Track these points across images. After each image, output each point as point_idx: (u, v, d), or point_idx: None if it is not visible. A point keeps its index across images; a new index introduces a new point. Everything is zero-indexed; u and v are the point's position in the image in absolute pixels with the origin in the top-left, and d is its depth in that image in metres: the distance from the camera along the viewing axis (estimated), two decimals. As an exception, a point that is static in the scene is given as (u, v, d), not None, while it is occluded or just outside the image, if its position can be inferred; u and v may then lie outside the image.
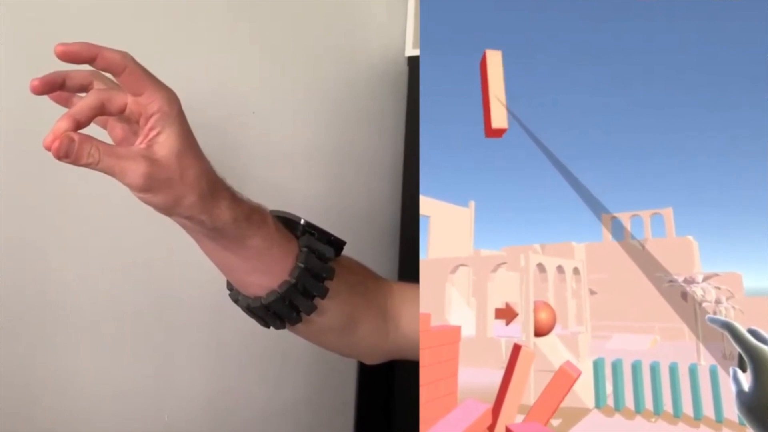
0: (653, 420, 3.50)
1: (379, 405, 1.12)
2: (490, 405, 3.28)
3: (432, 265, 5.68)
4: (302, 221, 0.59)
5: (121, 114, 0.46)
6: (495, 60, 1.71)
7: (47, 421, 0.84)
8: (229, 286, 0.61)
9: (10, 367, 0.82)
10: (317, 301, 0.57)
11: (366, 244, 1.04)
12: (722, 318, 0.41)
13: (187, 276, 0.90)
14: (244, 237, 0.52)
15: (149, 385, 0.90)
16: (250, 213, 0.53)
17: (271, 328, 0.60)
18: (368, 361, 0.69)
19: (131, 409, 0.89)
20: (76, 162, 0.43)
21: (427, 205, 7.12)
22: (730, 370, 0.40)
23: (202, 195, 0.48)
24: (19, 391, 0.84)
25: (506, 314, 4.84)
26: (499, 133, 1.69)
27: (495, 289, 5.09)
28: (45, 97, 0.47)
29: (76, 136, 0.42)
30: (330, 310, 0.59)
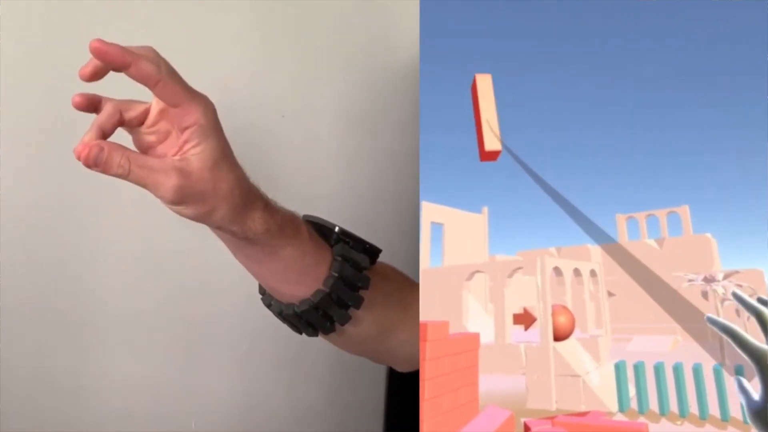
0: (679, 423, 3.46)
1: (408, 411, 1.12)
2: (512, 411, 3.28)
3: (448, 272, 5.69)
4: (337, 229, 0.57)
5: (140, 124, 0.46)
6: (485, 84, 1.73)
7: (76, 423, 0.86)
8: (261, 290, 0.59)
9: (41, 369, 0.86)
10: (352, 311, 0.55)
11: (392, 249, 1.06)
12: (723, 321, 0.38)
13: (217, 281, 0.91)
14: (276, 246, 0.51)
15: (177, 390, 0.91)
16: (283, 223, 0.51)
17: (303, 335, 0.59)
18: (402, 369, 0.67)
19: (159, 413, 0.90)
20: (105, 171, 0.42)
21: (440, 212, 7.14)
22: (735, 381, 0.38)
23: (234, 207, 0.47)
24: (49, 393, 0.86)
25: (525, 319, 4.82)
26: (494, 156, 1.72)
27: (512, 294, 5.08)
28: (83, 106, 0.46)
29: (105, 145, 0.42)
30: (365, 320, 0.57)
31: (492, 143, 1.67)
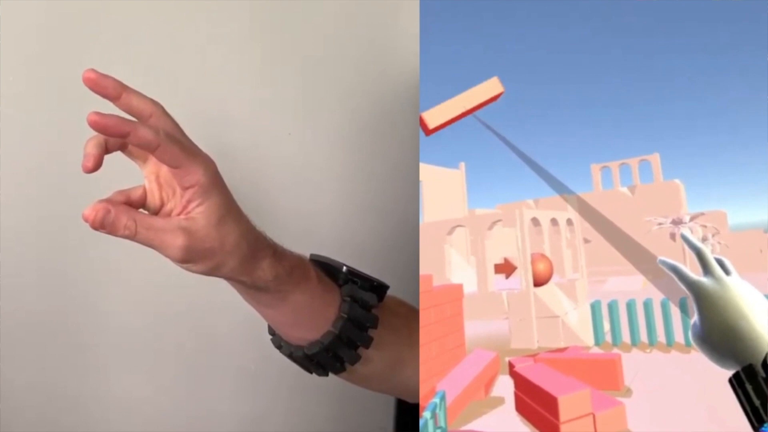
0: (648, 351, 3.75)
1: (417, 431, 1.14)
2: (497, 352, 3.50)
3: (429, 228, 5.83)
4: (344, 269, 0.58)
5: (122, 148, 0.46)
6: (435, 115, 1.68)
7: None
8: (271, 331, 0.60)
9: (44, 385, 0.86)
10: (362, 350, 0.56)
11: (392, 261, 1.01)
12: (669, 261, 0.44)
13: (224, 298, 0.89)
14: (285, 292, 0.52)
15: (182, 408, 0.92)
16: (292, 269, 0.52)
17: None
18: (413, 400, 0.67)
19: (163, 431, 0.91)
20: (112, 233, 0.43)
21: (419, 171, 7.23)
22: (678, 303, 0.44)
23: (242, 260, 0.48)
24: (53, 409, 0.87)
25: (505, 269, 5.04)
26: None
27: (492, 245, 5.28)
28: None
29: (112, 208, 0.42)
30: (375, 358, 0.57)
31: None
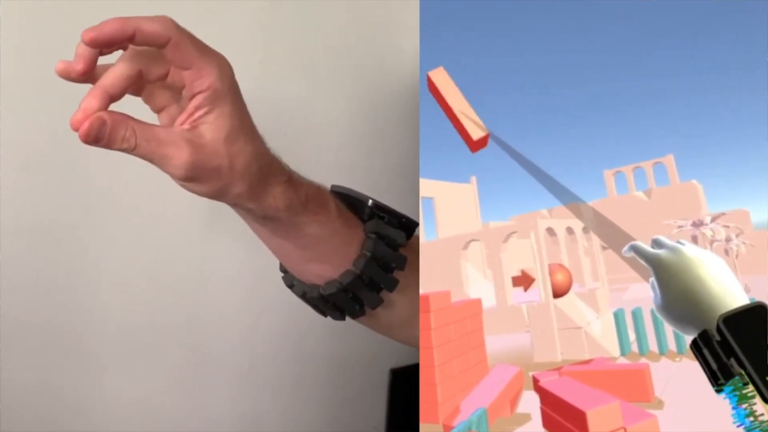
0: (678, 359, 3.63)
1: (410, 430, 1.12)
2: (520, 367, 3.42)
3: (444, 244, 5.80)
4: (370, 202, 0.51)
5: (161, 81, 0.39)
6: (441, 78, 1.71)
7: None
8: (282, 269, 0.53)
9: (42, 387, 0.85)
10: (384, 293, 0.49)
11: None
12: (628, 245, 0.44)
13: (221, 300, 0.91)
14: (299, 224, 0.45)
15: (178, 410, 0.91)
16: (308, 199, 0.46)
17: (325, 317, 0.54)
18: None
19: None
20: (108, 147, 0.36)
21: (429, 186, 7.22)
22: (650, 281, 0.43)
23: (252, 184, 0.41)
24: (50, 412, 0.85)
25: (523, 281, 4.97)
26: (484, 142, 1.70)
27: (509, 258, 5.21)
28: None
29: (108, 117, 0.35)
30: (398, 303, 0.51)
31: (476, 132, 1.68)
